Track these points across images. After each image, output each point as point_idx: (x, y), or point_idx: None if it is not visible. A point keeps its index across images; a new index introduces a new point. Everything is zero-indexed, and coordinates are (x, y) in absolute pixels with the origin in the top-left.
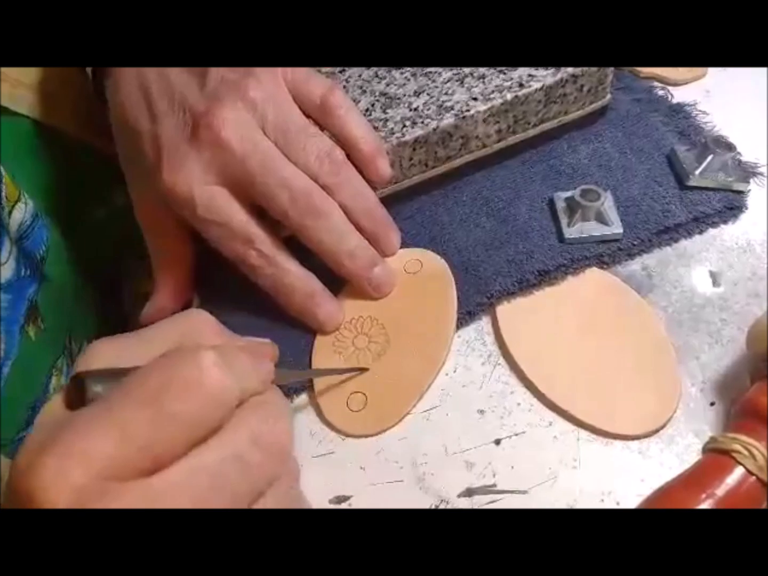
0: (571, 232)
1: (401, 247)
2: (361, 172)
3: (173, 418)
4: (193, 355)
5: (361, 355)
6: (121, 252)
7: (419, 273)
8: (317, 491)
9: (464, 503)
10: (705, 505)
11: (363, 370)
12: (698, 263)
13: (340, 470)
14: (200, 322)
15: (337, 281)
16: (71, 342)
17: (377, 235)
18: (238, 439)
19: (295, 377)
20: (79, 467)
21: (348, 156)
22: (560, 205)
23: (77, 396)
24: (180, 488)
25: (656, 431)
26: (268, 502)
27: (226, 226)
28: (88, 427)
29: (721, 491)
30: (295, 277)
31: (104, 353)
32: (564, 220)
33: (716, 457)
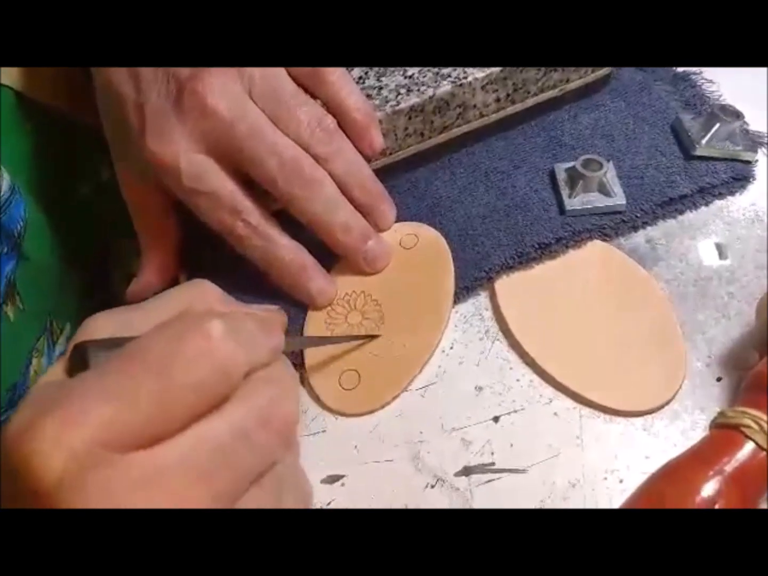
0: (572, 204)
1: (397, 221)
2: (353, 143)
3: (179, 387)
4: (200, 322)
5: (354, 332)
6: (107, 231)
7: (415, 248)
8: (309, 470)
9: (461, 482)
10: (713, 482)
11: (374, 336)
12: (704, 236)
13: (332, 449)
14: (205, 292)
15: (329, 256)
16: (53, 323)
17: (371, 208)
18: (245, 416)
19: (305, 345)
20: (79, 432)
21: (340, 126)
22: (561, 176)
23: (78, 367)
24: (182, 461)
25: (661, 407)
26: (266, 484)
27: (212, 196)
28: (90, 393)
29: (730, 467)
30: (285, 250)
31: (105, 325)
32: (565, 192)
33: (725, 432)
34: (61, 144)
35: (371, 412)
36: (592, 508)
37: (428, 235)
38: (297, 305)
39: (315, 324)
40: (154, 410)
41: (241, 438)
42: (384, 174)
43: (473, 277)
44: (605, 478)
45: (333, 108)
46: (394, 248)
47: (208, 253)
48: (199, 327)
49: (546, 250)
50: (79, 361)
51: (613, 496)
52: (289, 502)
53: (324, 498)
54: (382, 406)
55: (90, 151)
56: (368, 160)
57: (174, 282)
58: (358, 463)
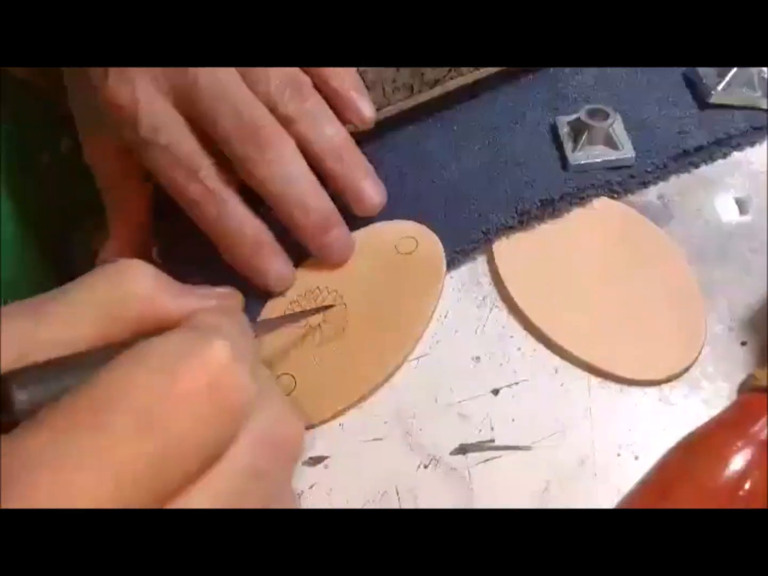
0: (576, 158)
1: (394, 216)
2: (339, 114)
3: (180, 442)
4: (198, 347)
5: (308, 334)
6: (69, 206)
7: (411, 255)
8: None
9: (458, 461)
10: (746, 451)
11: (329, 307)
12: (722, 190)
13: (314, 427)
14: (138, 276)
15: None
16: (5, 302)
17: (348, 184)
18: (254, 452)
19: (271, 328)
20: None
21: (324, 95)
22: (564, 129)
23: None
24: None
25: (679, 375)
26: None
27: (169, 150)
28: (49, 463)
29: (765, 434)
30: (241, 223)
31: (7, 336)
32: (568, 146)
33: (757, 396)
34: (19, 113)
35: (306, 427)
36: (603, 486)
37: (429, 243)
38: (253, 294)
39: (272, 314)
40: (149, 474)
41: (254, 478)
42: (370, 132)
43: (469, 238)
44: (618, 454)
45: (314, 74)
46: (388, 250)
47: (182, 226)
48: (196, 353)
49: (548, 208)
50: None
51: (627, 473)
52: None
53: (305, 482)
54: (318, 423)
55: (50, 121)
56: (357, 135)
57: (147, 255)
58: (344, 443)
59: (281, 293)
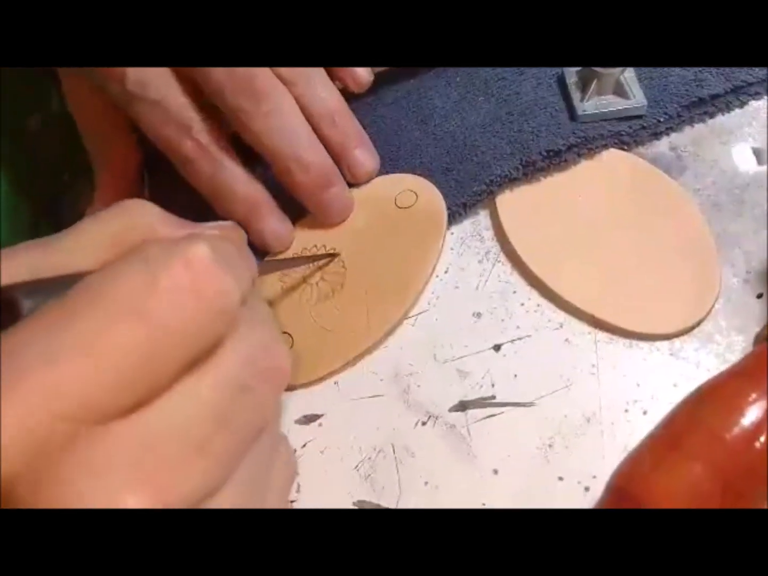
0: (585, 108)
1: (384, 137)
2: (335, 78)
3: (167, 332)
4: (180, 248)
5: (304, 292)
6: (59, 168)
7: (412, 209)
8: (283, 411)
9: (457, 418)
10: (762, 402)
11: (335, 255)
12: (739, 140)
13: (308, 384)
14: (144, 213)
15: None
16: None
17: (342, 150)
18: (241, 366)
19: (274, 269)
20: (33, 405)
21: None
22: (572, 79)
23: (7, 323)
24: (176, 423)
25: (691, 329)
26: (264, 446)
27: (159, 106)
28: (38, 350)
29: None
30: (236, 180)
31: (18, 263)
32: (576, 96)
33: None
34: (6, 73)
35: (302, 385)
36: (610, 443)
37: (429, 196)
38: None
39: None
40: (132, 365)
41: (240, 393)
42: (369, 87)
43: (472, 191)
44: (626, 410)
45: None
46: (387, 204)
47: (171, 182)
48: (178, 253)
49: (555, 159)
50: (8, 316)
51: (635, 429)
52: (283, 457)
53: (299, 440)
54: (304, 384)
55: (38, 81)
56: (352, 98)
57: None
58: (339, 401)
59: (279, 252)
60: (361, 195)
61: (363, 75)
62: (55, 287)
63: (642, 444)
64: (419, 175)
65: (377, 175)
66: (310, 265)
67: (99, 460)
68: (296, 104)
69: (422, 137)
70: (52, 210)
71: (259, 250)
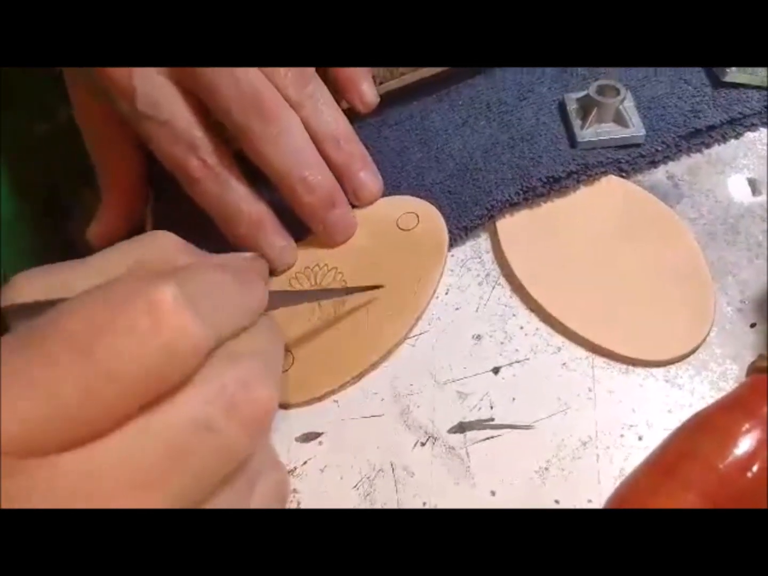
0: (584, 135)
1: (386, 158)
2: (341, 96)
3: (113, 374)
4: (145, 287)
5: (306, 310)
6: (67, 177)
7: (413, 231)
8: (282, 428)
9: (456, 440)
10: (755, 432)
11: (377, 287)
12: (734, 170)
13: (309, 403)
14: (165, 244)
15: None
16: (6, 276)
17: (347, 172)
18: (204, 401)
19: (291, 301)
20: None
21: (326, 80)
22: (572, 106)
23: None
24: (122, 462)
25: (686, 356)
26: (238, 484)
27: (167, 126)
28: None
29: None
30: (242, 199)
31: (35, 285)
32: (577, 123)
33: (766, 377)
34: (16, 81)
35: (295, 405)
36: (606, 467)
37: (431, 219)
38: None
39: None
40: (77, 402)
41: (202, 431)
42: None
43: (473, 215)
44: (622, 435)
45: None
46: (388, 226)
47: (177, 195)
48: (143, 293)
49: (555, 185)
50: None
51: (630, 454)
52: (264, 496)
53: (299, 458)
54: (306, 402)
55: (47, 90)
56: (356, 118)
57: (139, 225)
58: (339, 419)
59: (282, 271)
60: (363, 216)
61: (370, 95)
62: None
63: (637, 470)
64: (421, 197)
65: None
66: (310, 288)
67: (39, 491)
68: (303, 126)
69: (424, 159)
70: (56, 218)
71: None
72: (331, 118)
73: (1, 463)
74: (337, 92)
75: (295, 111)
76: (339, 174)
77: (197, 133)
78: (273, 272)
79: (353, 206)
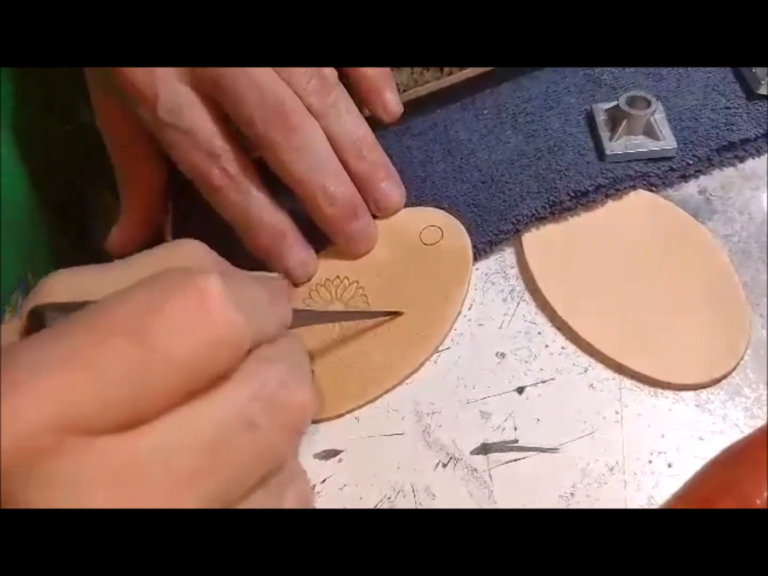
0: (613, 148)
1: (409, 168)
2: (364, 105)
3: (162, 358)
4: (192, 277)
5: (327, 326)
6: (89, 180)
7: (436, 246)
8: (302, 445)
9: (478, 461)
10: None
11: (398, 314)
12: None
13: (329, 420)
14: (195, 253)
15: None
16: (29, 276)
17: (369, 182)
18: (249, 399)
19: (314, 320)
20: (31, 409)
21: (349, 88)
22: (601, 117)
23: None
24: (165, 452)
25: (718, 380)
26: (272, 488)
27: (189, 134)
28: (46, 358)
29: None
30: (263, 209)
31: (66, 286)
32: (605, 134)
33: None
34: (39, 81)
35: (322, 420)
36: (633, 494)
37: (455, 234)
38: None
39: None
40: (128, 384)
41: (244, 428)
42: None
43: (498, 229)
44: (650, 461)
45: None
46: (411, 239)
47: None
48: (190, 282)
49: (582, 199)
50: (36, 330)
51: (659, 481)
52: (293, 502)
53: (318, 475)
54: (323, 420)
55: (70, 89)
56: (380, 127)
57: (159, 233)
58: (359, 437)
59: (303, 282)
60: (385, 227)
61: (394, 104)
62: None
63: (670, 502)
64: (444, 208)
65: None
66: (330, 301)
67: (83, 472)
68: (326, 137)
69: (448, 170)
70: (75, 219)
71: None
72: (354, 127)
73: (50, 441)
74: (360, 100)
75: (318, 120)
76: (361, 184)
77: (218, 142)
78: (293, 284)
79: (374, 217)
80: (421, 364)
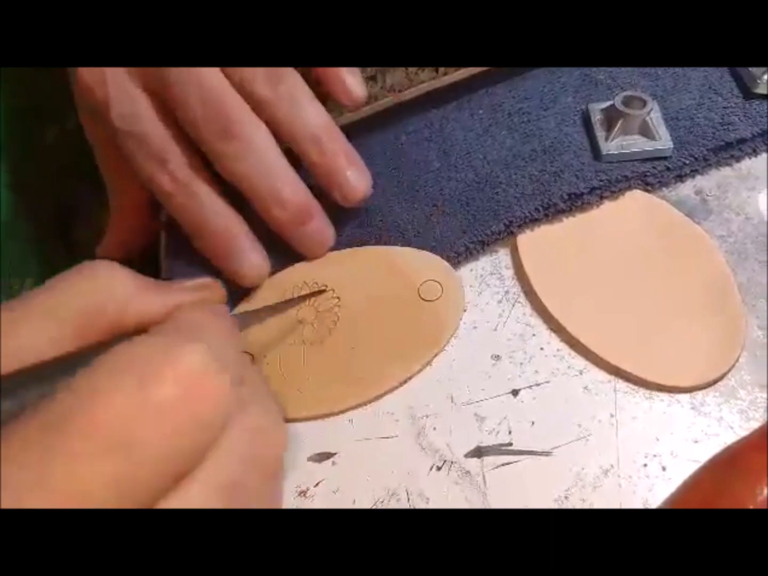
0: (609, 148)
1: (413, 201)
2: (327, 92)
3: (151, 458)
4: (171, 353)
5: (296, 331)
6: (74, 184)
7: (436, 302)
8: (295, 447)
9: (472, 465)
10: None
11: (321, 292)
12: (766, 185)
13: (323, 422)
14: (113, 281)
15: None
16: (10, 277)
17: (331, 171)
18: (229, 467)
19: (253, 321)
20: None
21: (309, 80)
22: (596, 117)
23: None
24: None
25: (713, 382)
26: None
27: (141, 139)
28: (23, 485)
29: None
30: (213, 214)
31: None
32: (601, 134)
33: None
34: (26, 87)
35: (314, 417)
36: (628, 498)
37: (455, 289)
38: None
39: (265, 301)
40: (111, 496)
41: (232, 491)
42: (391, 114)
43: (491, 230)
44: (645, 465)
45: None
46: (410, 295)
47: None
48: (170, 361)
49: (577, 200)
50: None
51: (654, 485)
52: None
53: (311, 478)
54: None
55: (56, 96)
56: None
57: (154, 235)
58: (353, 440)
59: (255, 288)
60: (382, 275)
61: (356, 89)
62: (40, 377)
63: (665, 504)
64: (438, 206)
65: (394, 211)
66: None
67: None
68: (272, 137)
69: (443, 169)
70: (63, 223)
71: (234, 286)
72: (311, 116)
73: None
74: (320, 90)
75: (270, 111)
76: (324, 174)
77: (168, 147)
78: (245, 287)
79: (346, 209)
80: (421, 370)
